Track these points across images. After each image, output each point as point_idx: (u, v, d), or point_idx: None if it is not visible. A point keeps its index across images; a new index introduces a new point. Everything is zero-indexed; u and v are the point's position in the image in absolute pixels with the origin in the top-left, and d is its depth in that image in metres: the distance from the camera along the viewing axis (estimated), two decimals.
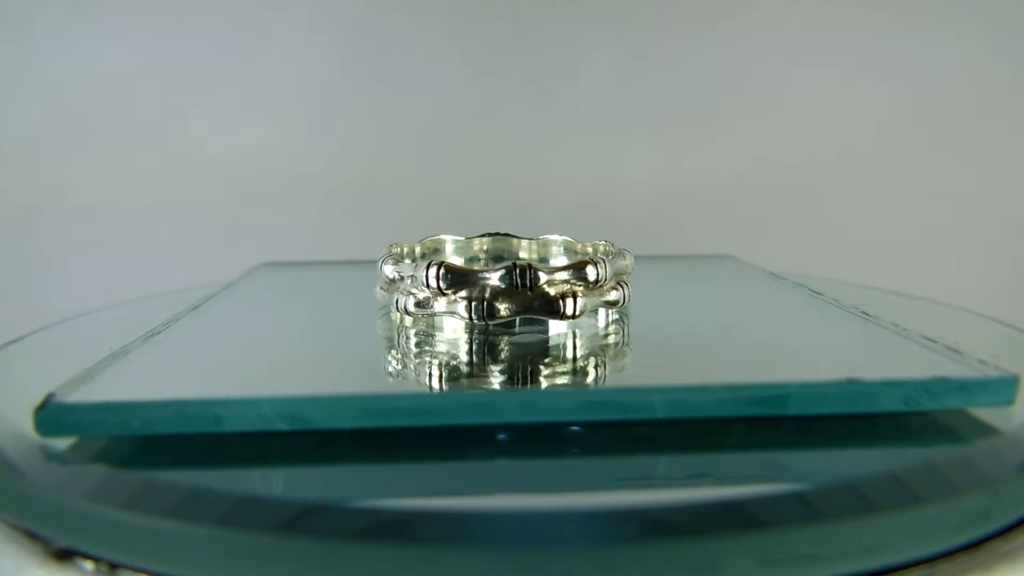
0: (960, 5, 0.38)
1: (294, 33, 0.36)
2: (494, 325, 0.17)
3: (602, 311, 0.19)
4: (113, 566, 0.11)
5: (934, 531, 0.11)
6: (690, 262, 0.30)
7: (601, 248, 0.20)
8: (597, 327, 0.18)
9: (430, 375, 0.15)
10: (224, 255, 0.36)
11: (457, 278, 0.17)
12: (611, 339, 0.18)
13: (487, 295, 0.16)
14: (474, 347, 0.17)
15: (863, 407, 0.13)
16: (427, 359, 0.16)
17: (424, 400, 0.13)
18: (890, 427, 0.14)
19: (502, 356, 0.16)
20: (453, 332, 0.18)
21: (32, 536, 0.12)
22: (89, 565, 0.11)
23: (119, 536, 0.11)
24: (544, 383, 0.14)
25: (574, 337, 0.17)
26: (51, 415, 0.13)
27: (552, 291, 0.17)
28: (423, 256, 0.21)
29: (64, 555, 0.11)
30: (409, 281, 0.17)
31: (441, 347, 0.17)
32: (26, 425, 0.13)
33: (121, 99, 0.35)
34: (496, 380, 0.15)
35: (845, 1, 0.38)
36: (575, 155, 0.38)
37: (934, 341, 0.16)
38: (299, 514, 0.10)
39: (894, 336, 0.17)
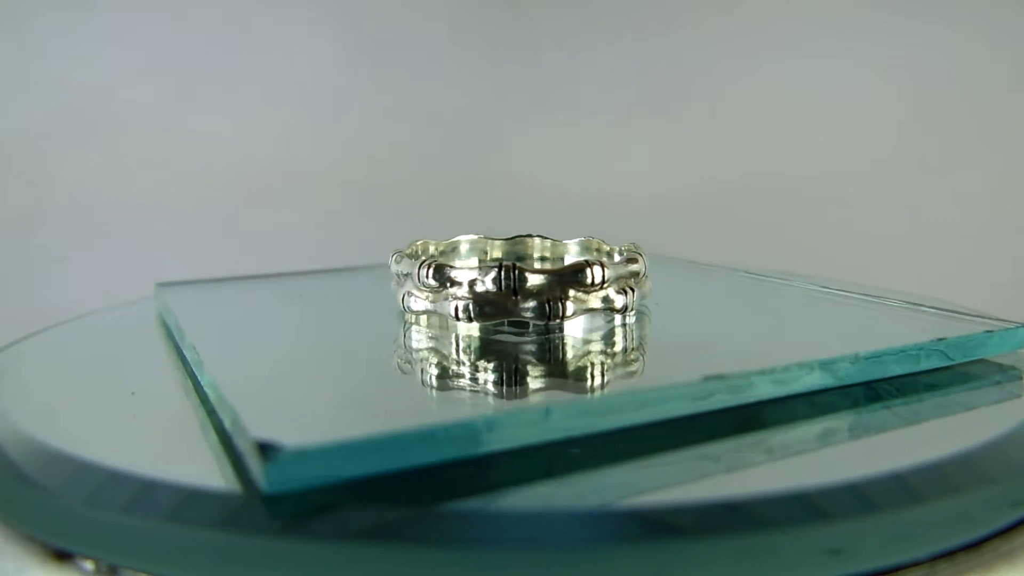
0: (961, 5, 0.38)
1: (294, 33, 0.36)
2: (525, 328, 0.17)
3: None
4: (113, 566, 0.11)
5: (934, 531, 0.11)
6: None
7: (627, 248, 0.19)
8: (612, 325, 0.18)
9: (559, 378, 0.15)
10: (224, 255, 0.36)
11: (519, 280, 0.16)
12: (659, 335, 0.18)
13: (554, 295, 0.16)
14: (543, 350, 0.16)
15: (945, 362, 0.16)
16: (528, 363, 0.15)
17: (636, 397, 0.13)
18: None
19: (601, 353, 0.16)
20: (468, 332, 0.17)
21: (32, 536, 0.12)
22: (89, 565, 0.11)
23: (119, 536, 0.11)
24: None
25: (625, 332, 0.18)
26: (287, 467, 0.11)
27: (609, 292, 0.17)
28: (442, 254, 0.20)
29: (64, 555, 0.11)
30: (451, 283, 0.17)
31: (509, 352, 0.16)
32: (34, 429, 0.13)
33: (121, 99, 0.35)
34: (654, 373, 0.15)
35: (845, 1, 0.38)
36: (573, 154, 0.38)
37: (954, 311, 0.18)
38: (299, 515, 0.10)
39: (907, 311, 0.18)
